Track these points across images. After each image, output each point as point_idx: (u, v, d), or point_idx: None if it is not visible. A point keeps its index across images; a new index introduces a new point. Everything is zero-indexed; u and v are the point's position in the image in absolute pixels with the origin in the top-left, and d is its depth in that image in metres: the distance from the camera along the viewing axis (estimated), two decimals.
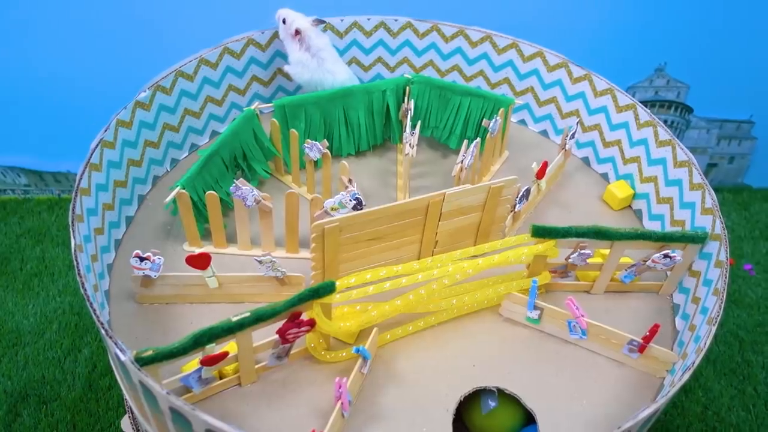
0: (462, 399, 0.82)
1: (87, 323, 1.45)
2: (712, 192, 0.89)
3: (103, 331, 0.66)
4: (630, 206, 1.07)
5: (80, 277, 0.71)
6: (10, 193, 1.76)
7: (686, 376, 0.67)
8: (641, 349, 0.82)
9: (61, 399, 1.32)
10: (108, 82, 1.50)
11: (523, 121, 1.22)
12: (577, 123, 1.08)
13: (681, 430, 1.27)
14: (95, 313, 0.67)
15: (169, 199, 0.88)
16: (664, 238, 0.86)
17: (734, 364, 1.38)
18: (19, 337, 1.42)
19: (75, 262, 0.73)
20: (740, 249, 1.63)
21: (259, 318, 0.72)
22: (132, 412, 0.93)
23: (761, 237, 1.66)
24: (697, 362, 0.69)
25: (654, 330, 0.80)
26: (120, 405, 1.31)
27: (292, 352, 0.82)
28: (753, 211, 1.74)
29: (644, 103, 1.60)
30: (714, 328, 0.72)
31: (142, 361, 0.66)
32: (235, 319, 0.71)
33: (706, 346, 0.70)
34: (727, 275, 0.79)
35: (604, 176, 1.12)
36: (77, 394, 1.33)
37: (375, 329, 0.82)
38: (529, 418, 0.84)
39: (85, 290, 0.70)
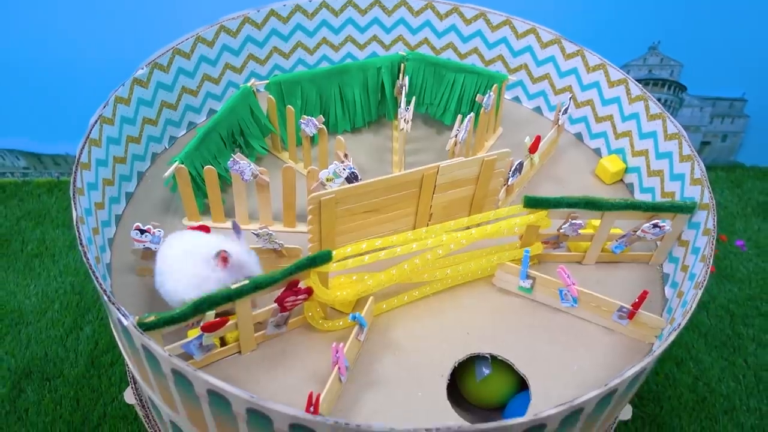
0: (456, 366, 0.84)
1: (88, 302, 1.47)
2: (701, 162, 0.91)
3: (105, 298, 0.68)
4: (622, 180, 1.09)
5: (82, 247, 0.73)
6: (10, 176, 1.77)
7: (672, 337, 0.69)
8: (630, 315, 0.84)
9: (64, 376, 1.34)
10: (106, 64, 1.51)
11: (517, 98, 1.23)
12: (570, 98, 1.09)
13: (672, 400, 1.30)
14: (98, 281, 0.69)
15: (168, 173, 0.90)
16: (653, 208, 0.88)
17: (725, 336, 1.40)
18: (21, 316, 1.44)
19: (77, 233, 0.74)
20: (732, 226, 1.65)
21: (257, 286, 0.74)
22: (134, 383, 0.95)
23: (753, 214, 1.69)
24: (683, 323, 0.71)
25: (643, 296, 0.82)
26: (122, 381, 1.33)
27: (290, 321, 0.84)
28: (745, 188, 1.76)
29: (638, 81, 1.61)
30: (700, 292, 0.75)
31: (145, 327, 0.68)
32: (234, 286, 0.73)
33: (692, 308, 0.72)
34: (714, 242, 0.81)
35: (597, 151, 1.14)
36: (80, 370, 1.35)
37: (371, 298, 0.84)
38: (522, 386, 0.86)
39: (88, 260, 0.72)
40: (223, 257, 0.76)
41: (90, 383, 1.33)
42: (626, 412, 0.98)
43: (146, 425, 0.92)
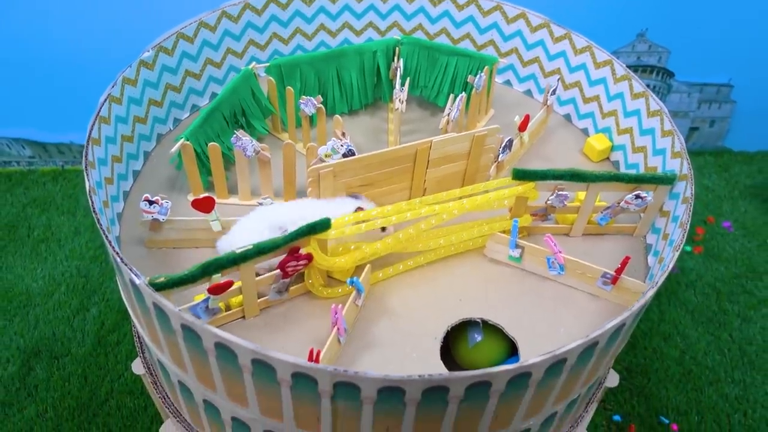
0: (449, 330, 0.89)
1: (94, 285, 1.52)
2: (681, 136, 0.96)
3: (118, 259, 0.72)
4: (608, 158, 1.14)
5: (95, 213, 0.77)
6: (15, 164, 1.81)
7: (651, 293, 0.74)
8: (614, 281, 0.89)
9: (72, 354, 1.38)
10: (110, 54, 1.55)
11: (508, 82, 1.28)
12: (558, 80, 1.14)
13: (660, 372, 1.34)
14: (110, 244, 0.74)
15: (174, 150, 0.94)
16: (636, 180, 0.93)
17: (711, 312, 1.45)
18: (29, 299, 1.48)
19: (90, 202, 0.79)
20: (720, 208, 1.70)
21: (260, 251, 0.79)
22: (143, 353, 0.99)
23: (740, 197, 1.73)
24: (660, 281, 0.75)
25: (625, 261, 0.86)
26: (128, 358, 1.37)
27: (291, 288, 0.88)
28: (733, 172, 1.81)
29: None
30: (677, 254, 0.79)
31: (156, 286, 0.72)
32: (239, 251, 0.77)
33: (669, 267, 0.77)
34: (691, 209, 0.86)
35: (585, 131, 1.19)
36: (87, 349, 1.39)
37: (368, 266, 0.89)
38: (512, 352, 0.91)
39: (101, 225, 0.76)
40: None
41: (97, 361, 1.37)
42: (613, 379, 1.03)
43: (155, 392, 0.96)
